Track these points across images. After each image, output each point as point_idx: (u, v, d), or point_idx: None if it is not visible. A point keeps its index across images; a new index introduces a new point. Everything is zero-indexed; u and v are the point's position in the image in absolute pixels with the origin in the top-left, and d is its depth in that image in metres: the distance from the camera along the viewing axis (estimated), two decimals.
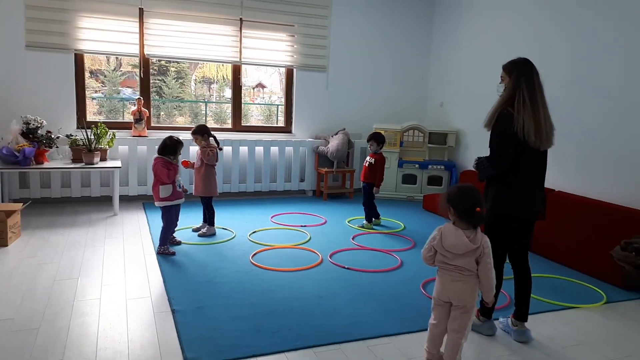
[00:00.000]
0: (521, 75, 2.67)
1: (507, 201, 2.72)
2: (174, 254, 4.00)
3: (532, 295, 2.91)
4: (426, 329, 2.47)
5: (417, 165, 6.45)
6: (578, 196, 4.66)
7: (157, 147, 5.69)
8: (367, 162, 5.11)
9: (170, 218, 4.06)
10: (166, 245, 4.04)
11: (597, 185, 4.59)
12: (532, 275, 2.89)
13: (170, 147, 4.01)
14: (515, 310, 2.87)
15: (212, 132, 4.59)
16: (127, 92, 7.06)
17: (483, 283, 2.31)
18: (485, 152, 2.83)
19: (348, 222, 5.27)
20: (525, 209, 2.73)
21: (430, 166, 6.44)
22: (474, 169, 2.92)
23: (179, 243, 4.25)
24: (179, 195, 4.07)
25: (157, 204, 4.04)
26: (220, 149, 4.62)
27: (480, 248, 2.27)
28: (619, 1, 4.32)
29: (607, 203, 4.38)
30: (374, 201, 5.15)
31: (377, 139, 5.09)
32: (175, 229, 4.24)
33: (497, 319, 2.99)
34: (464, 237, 2.26)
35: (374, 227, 5.12)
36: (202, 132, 4.48)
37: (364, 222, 5.15)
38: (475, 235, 2.27)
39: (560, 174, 4.90)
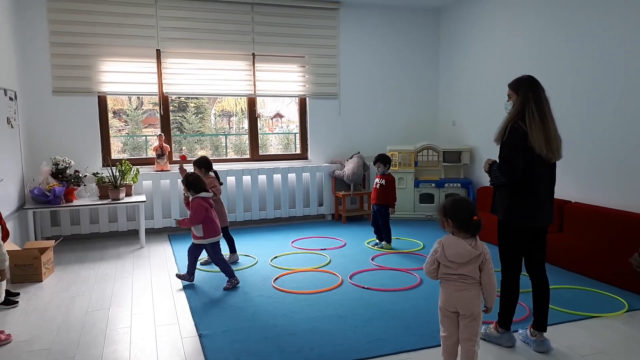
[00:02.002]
0: (528, 91, 2.76)
1: (518, 212, 2.79)
2: (238, 283, 4.02)
3: (551, 306, 2.94)
4: None
5: (433, 185, 6.51)
6: (594, 206, 4.66)
7: (179, 180, 5.97)
8: (378, 184, 5.20)
9: (213, 256, 4.07)
10: (233, 277, 4.01)
11: (612, 194, 4.59)
12: (551, 287, 2.92)
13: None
14: (533, 320, 2.90)
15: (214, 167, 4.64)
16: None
17: (485, 287, 2.39)
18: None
19: (367, 243, 5.35)
20: (535, 220, 2.80)
21: (446, 184, 6.50)
22: (485, 172, 2.97)
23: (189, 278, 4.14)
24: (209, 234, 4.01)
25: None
26: (221, 184, 4.64)
27: (483, 254, 2.36)
28: (629, 13, 4.40)
29: (624, 211, 4.38)
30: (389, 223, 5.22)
31: (383, 160, 5.19)
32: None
33: (517, 331, 3.02)
34: (467, 245, 2.35)
35: (383, 249, 5.15)
36: (207, 167, 4.52)
37: (383, 243, 5.22)
38: (476, 243, 2.37)
39: (575, 185, 4.92)
